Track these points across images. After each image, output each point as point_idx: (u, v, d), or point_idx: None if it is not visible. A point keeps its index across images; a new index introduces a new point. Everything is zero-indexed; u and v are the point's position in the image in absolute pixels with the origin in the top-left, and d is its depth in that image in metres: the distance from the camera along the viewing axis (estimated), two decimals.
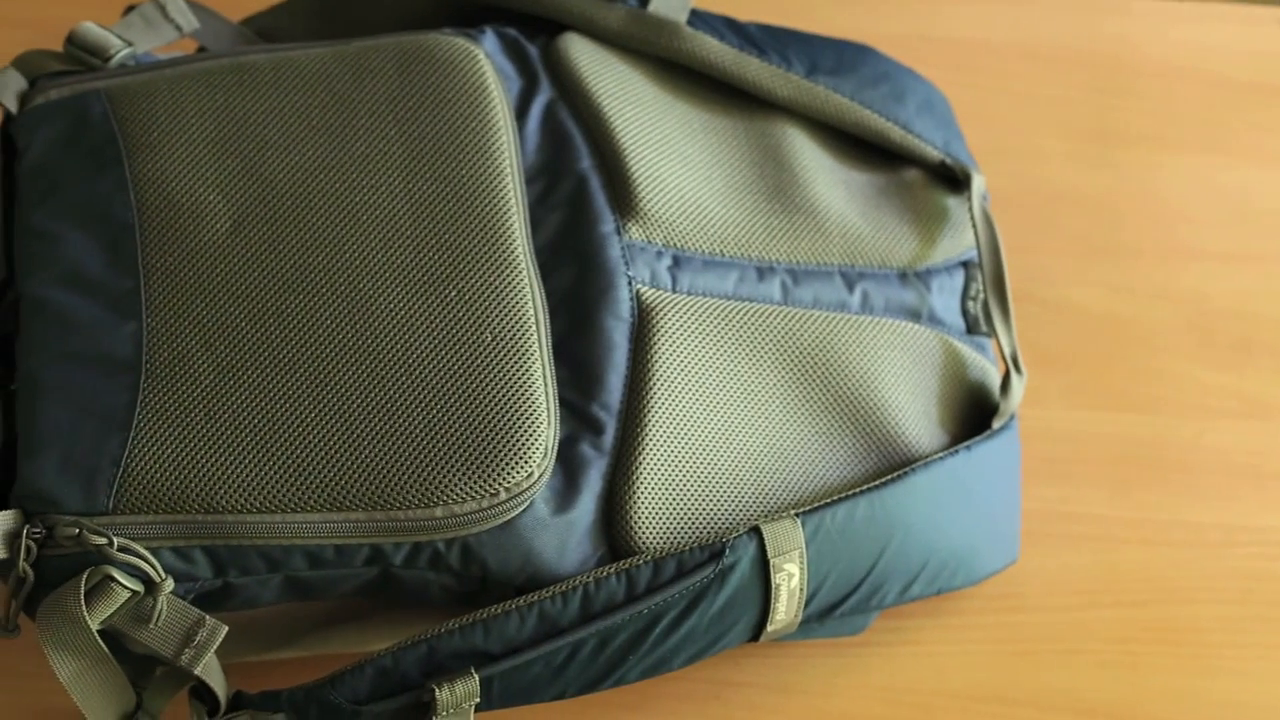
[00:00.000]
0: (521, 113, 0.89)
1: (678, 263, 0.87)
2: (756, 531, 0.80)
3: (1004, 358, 0.93)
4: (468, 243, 0.82)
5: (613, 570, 0.79)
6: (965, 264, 0.96)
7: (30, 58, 0.89)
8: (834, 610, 0.85)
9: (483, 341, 0.79)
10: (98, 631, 0.74)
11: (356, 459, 0.76)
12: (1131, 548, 0.97)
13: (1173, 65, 1.17)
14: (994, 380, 0.94)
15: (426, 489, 0.76)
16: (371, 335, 0.79)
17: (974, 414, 0.93)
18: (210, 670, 0.76)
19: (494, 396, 0.78)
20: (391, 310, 0.80)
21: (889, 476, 0.85)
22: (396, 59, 0.87)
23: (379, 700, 0.77)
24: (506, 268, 0.81)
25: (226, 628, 0.75)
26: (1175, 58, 1.18)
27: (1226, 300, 1.07)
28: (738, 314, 0.87)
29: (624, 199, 0.87)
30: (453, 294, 0.80)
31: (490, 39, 0.91)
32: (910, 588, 0.87)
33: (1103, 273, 1.07)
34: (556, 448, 0.79)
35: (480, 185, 0.83)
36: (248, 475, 0.75)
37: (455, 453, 0.76)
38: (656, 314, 0.85)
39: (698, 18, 0.94)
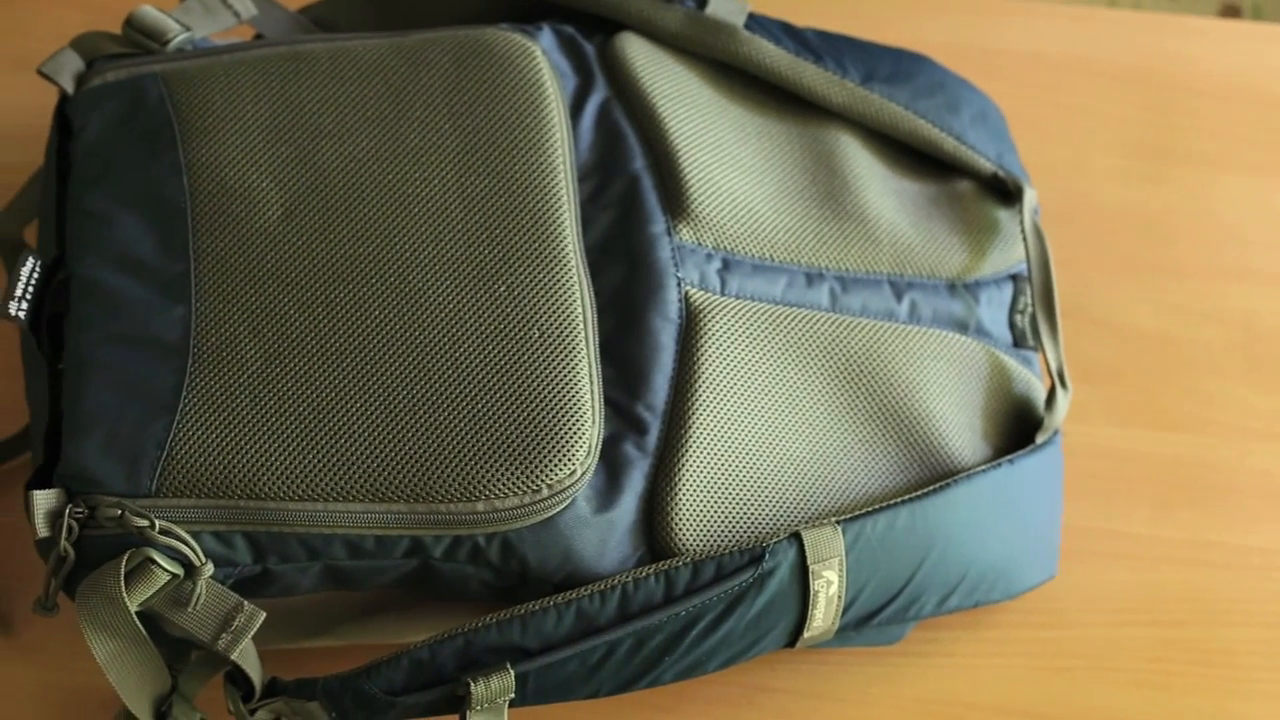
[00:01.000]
0: (576, 111, 0.89)
1: (727, 266, 0.87)
2: (797, 537, 0.80)
3: (1050, 372, 0.93)
4: (518, 239, 0.82)
5: (652, 571, 0.79)
6: (1014, 277, 0.96)
7: (88, 39, 0.90)
8: (871, 619, 0.85)
9: (530, 338, 0.79)
10: (135, 613, 0.74)
11: (400, 450, 0.76)
12: (1171, 567, 0.96)
13: (1229, 85, 1.17)
14: (1039, 394, 0.94)
15: (469, 483, 0.76)
16: (419, 327, 0.79)
17: (1018, 427, 0.92)
18: (246, 656, 0.76)
19: (539, 393, 0.78)
20: (440, 303, 0.80)
21: (931, 487, 0.85)
22: (453, 53, 0.87)
23: (414, 692, 0.77)
24: (556, 265, 0.81)
25: (264, 614, 0.75)
26: (1232, 77, 1.17)
27: (1276, 322, 1.06)
28: (785, 319, 0.87)
29: (676, 200, 0.87)
30: (501, 289, 0.80)
31: (547, 36, 0.91)
32: (948, 599, 0.87)
33: (1152, 291, 1.07)
34: (600, 446, 0.79)
35: (533, 181, 0.84)
36: (291, 463, 0.76)
37: (499, 448, 0.76)
38: (704, 316, 0.84)
39: (755, 22, 0.94)
